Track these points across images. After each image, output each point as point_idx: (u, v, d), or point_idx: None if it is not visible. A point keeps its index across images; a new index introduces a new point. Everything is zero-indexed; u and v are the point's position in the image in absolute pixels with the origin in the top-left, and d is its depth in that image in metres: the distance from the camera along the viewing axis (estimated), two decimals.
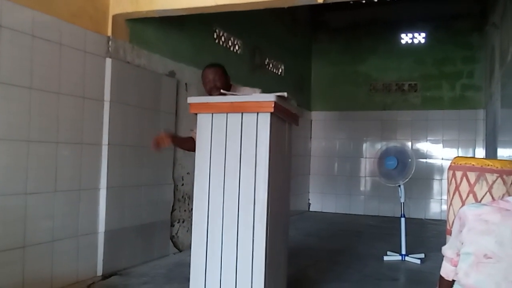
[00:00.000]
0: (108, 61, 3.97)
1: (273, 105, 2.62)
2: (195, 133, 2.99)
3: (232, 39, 6.26)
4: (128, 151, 4.19)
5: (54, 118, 3.48)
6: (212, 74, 3.38)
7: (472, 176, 3.01)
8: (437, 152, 8.45)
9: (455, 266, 1.79)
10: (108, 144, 3.95)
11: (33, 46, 3.30)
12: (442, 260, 1.91)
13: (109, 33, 4.02)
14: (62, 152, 3.55)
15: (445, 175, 7.62)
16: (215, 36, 5.85)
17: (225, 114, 2.75)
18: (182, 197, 5.03)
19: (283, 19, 7.91)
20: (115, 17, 4.04)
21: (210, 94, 3.35)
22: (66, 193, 3.60)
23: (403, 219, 5.09)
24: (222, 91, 2.91)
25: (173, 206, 4.87)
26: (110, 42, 4.00)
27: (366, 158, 8.83)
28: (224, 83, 3.38)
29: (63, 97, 3.55)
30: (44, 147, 3.40)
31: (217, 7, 3.78)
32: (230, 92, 2.85)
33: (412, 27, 8.73)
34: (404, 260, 4.92)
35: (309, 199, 9.03)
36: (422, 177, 8.40)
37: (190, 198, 4.97)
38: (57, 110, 3.50)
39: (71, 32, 3.62)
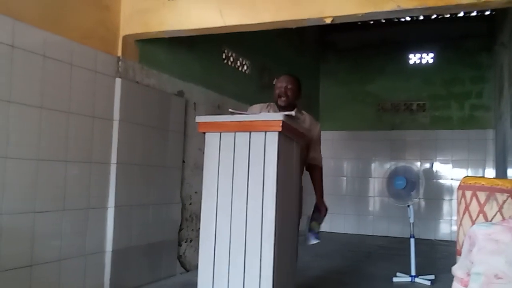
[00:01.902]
0: (118, 81, 4.01)
1: (281, 124, 2.63)
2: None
3: (240, 59, 6.31)
4: (137, 170, 4.21)
5: (63, 137, 3.51)
6: (287, 82, 3.44)
7: (482, 195, 2.99)
8: (447, 172, 8.39)
9: (466, 286, 1.76)
10: (117, 163, 3.97)
11: (45, 66, 3.35)
12: (453, 281, 1.89)
13: (119, 53, 4.07)
14: (71, 170, 3.57)
15: (454, 196, 7.56)
16: (223, 56, 5.90)
17: (233, 133, 2.76)
18: (190, 216, 5.02)
19: (291, 40, 7.97)
20: (125, 38, 4.10)
21: (276, 101, 3.40)
22: (74, 211, 3.61)
23: (412, 240, 5.03)
24: (230, 110, 2.93)
25: (180, 226, 4.86)
26: (120, 63, 4.05)
27: (374, 178, 8.79)
28: (295, 95, 3.45)
29: (73, 116, 3.58)
30: (54, 166, 3.42)
31: (226, 28, 3.82)
32: (238, 111, 2.86)
33: (420, 47, 8.76)
34: (414, 281, 4.85)
35: None
36: (431, 197, 8.34)
37: (198, 217, 4.95)
38: (67, 129, 3.53)
39: (82, 53, 3.67)
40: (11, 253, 3.10)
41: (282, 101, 3.37)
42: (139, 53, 4.29)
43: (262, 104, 3.55)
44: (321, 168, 3.64)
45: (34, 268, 3.26)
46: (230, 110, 2.93)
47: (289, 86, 3.40)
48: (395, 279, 4.90)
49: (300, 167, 3.35)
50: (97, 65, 3.83)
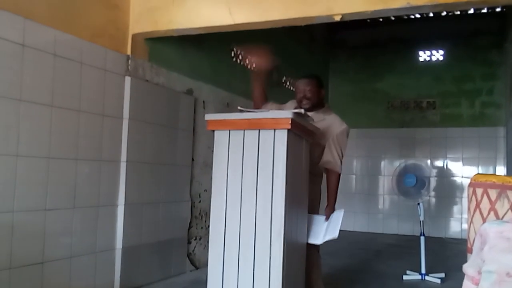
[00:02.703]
0: (128, 79, 4.03)
1: (290, 122, 2.62)
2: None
3: (249, 57, 6.30)
4: (146, 168, 4.22)
5: (74, 135, 3.53)
6: (304, 85, 3.36)
7: (493, 193, 2.96)
8: (457, 170, 8.34)
9: (477, 284, 1.75)
10: (127, 161, 3.98)
11: (55, 65, 3.37)
12: (463, 279, 1.87)
13: (129, 52, 4.09)
14: (81, 169, 3.59)
15: (465, 193, 7.52)
16: (232, 55, 5.90)
17: (242, 131, 2.75)
18: (199, 214, 5.03)
19: (301, 38, 7.95)
20: (134, 36, 4.12)
21: (299, 104, 3.33)
22: (85, 209, 3.63)
23: (422, 238, 5.01)
24: (239, 107, 2.92)
25: (190, 223, 4.87)
26: (129, 61, 4.07)
27: (384, 176, 8.76)
28: (316, 95, 3.36)
29: (83, 114, 3.60)
30: (64, 164, 3.45)
31: (235, 26, 3.82)
32: (247, 109, 2.86)
33: (430, 45, 8.70)
34: (424, 279, 4.83)
35: None
36: (441, 195, 8.30)
37: (207, 215, 4.97)
38: (77, 128, 3.56)
39: (91, 51, 3.69)
40: (23, 251, 3.13)
41: (304, 104, 3.30)
42: (148, 51, 4.31)
43: (294, 101, 3.48)
44: (338, 174, 3.32)
45: (46, 265, 3.28)
46: (239, 108, 2.93)
47: (307, 88, 3.34)
48: (405, 277, 4.88)
49: (317, 168, 3.32)
50: (107, 63, 3.84)
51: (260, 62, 3.52)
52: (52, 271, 3.33)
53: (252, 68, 3.36)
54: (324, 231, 3.15)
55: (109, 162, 3.86)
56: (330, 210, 3.27)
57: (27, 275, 3.15)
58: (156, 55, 4.41)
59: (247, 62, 6.24)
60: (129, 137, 4.01)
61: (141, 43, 4.22)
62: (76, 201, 3.54)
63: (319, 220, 3.22)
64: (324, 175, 3.42)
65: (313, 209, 3.27)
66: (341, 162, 3.32)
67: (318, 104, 3.39)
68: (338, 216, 3.19)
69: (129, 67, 4.06)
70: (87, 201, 3.65)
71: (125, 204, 3.96)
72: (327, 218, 3.22)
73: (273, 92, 6.85)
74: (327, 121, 3.34)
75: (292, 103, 3.46)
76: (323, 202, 3.36)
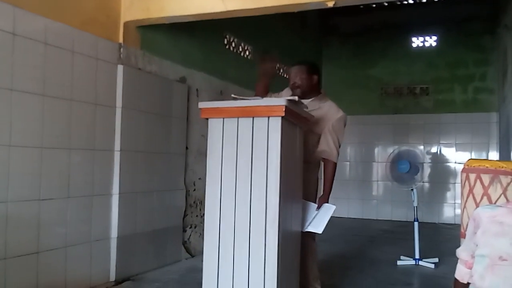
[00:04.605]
0: (120, 67, 4.00)
1: (284, 109, 2.61)
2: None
3: (242, 44, 6.28)
4: (140, 157, 4.21)
5: (66, 125, 3.51)
6: (294, 72, 3.32)
7: (486, 178, 2.98)
8: (450, 155, 8.39)
9: (470, 268, 1.77)
10: (120, 150, 3.97)
11: (46, 53, 3.34)
12: (457, 263, 1.89)
13: (121, 40, 4.05)
14: (74, 158, 3.58)
15: (458, 179, 7.56)
16: (225, 42, 5.87)
17: (236, 119, 2.74)
18: (194, 202, 5.04)
19: (293, 24, 7.91)
20: (126, 24, 4.08)
21: (293, 92, 3.29)
22: (79, 199, 3.62)
23: (416, 224, 5.05)
24: (233, 95, 2.91)
25: (185, 212, 4.88)
26: (121, 49, 4.03)
27: (378, 162, 8.79)
28: (307, 82, 3.30)
29: (75, 103, 3.58)
30: (57, 154, 3.43)
31: (227, 13, 3.80)
32: (240, 97, 2.85)
33: (423, 30, 8.69)
34: (418, 264, 4.87)
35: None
36: (435, 181, 8.35)
37: (202, 203, 4.98)
38: (69, 117, 3.53)
39: (83, 40, 3.65)
40: (18, 241, 3.12)
41: (297, 93, 3.24)
42: (140, 39, 4.28)
43: (289, 88, 3.44)
44: (334, 163, 3.29)
45: (41, 255, 3.28)
46: (232, 95, 2.91)
47: (298, 76, 3.29)
48: (399, 263, 4.93)
49: (313, 157, 3.30)
50: (99, 52, 3.81)
51: (268, 68, 3.51)
52: (47, 260, 3.33)
53: (259, 70, 3.33)
54: (310, 219, 3.15)
55: (102, 151, 3.84)
56: (324, 199, 3.27)
57: (22, 265, 3.15)
58: (148, 43, 4.37)
59: (240, 49, 6.21)
60: (122, 126, 3.99)
61: (133, 31, 4.18)
62: (70, 191, 3.53)
63: (311, 207, 3.22)
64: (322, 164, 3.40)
65: (309, 197, 3.26)
66: (337, 151, 3.29)
67: (312, 90, 3.34)
68: (327, 211, 3.17)
69: (121, 55, 4.03)
70: (81, 191, 3.64)
71: (119, 193, 3.96)
72: (319, 207, 3.22)
73: None
74: (323, 110, 3.30)
75: (288, 91, 3.43)
76: (320, 192, 3.36)
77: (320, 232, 3.08)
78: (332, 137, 3.26)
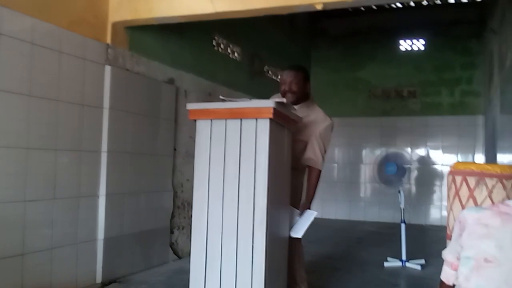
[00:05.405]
0: (108, 68, 3.98)
1: (272, 111, 2.61)
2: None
3: (231, 46, 6.28)
4: (128, 158, 4.19)
5: (53, 125, 3.48)
6: (290, 77, 3.24)
7: (471, 180, 3.01)
8: (437, 158, 8.45)
9: (456, 270, 1.78)
10: (108, 151, 3.95)
11: (33, 53, 3.31)
12: (443, 265, 1.90)
13: (109, 40, 4.03)
14: (61, 159, 3.55)
15: (445, 181, 7.63)
16: (214, 43, 5.87)
17: (224, 120, 2.74)
18: (182, 204, 5.02)
19: (282, 27, 7.94)
20: (114, 24, 4.06)
21: (283, 97, 3.20)
22: (65, 200, 3.59)
23: (403, 225, 5.08)
24: (221, 97, 2.90)
25: (172, 213, 4.86)
26: (109, 50, 4.01)
27: (365, 164, 8.84)
28: (301, 89, 3.25)
29: (62, 104, 3.55)
30: (43, 154, 3.40)
31: (216, 15, 3.79)
32: (229, 98, 2.84)
33: (411, 34, 8.77)
34: (405, 266, 4.90)
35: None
36: (422, 183, 8.42)
37: (190, 205, 4.96)
38: (56, 118, 3.50)
39: (70, 40, 3.63)
40: (3, 242, 3.09)
41: (288, 98, 3.18)
42: (128, 40, 4.26)
43: (278, 94, 3.37)
44: (319, 171, 3.27)
45: (26, 256, 3.25)
46: (221, 97, 2.90)
47: (293, 82, 3.23)
48: (386, 264, 4.95)
49: (299, 163, 3.29)
50: (86, 52, 3.79)
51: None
52: (32, 262, 3.30)
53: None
54: (291, 225, 3.15)
55: (89, 152, 3.82)
56: (305, 206, 3.26)
57: (7, 267, 3.11)
58: (136, 44, 4.35)
59: (229, 51, 6.21)
60: (109, 127, 3.96)
61: (121, 32, 4.16)
62: (56, 192, 3.50)
63: (294, 213, 3.22)
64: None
65: (295, 203, 3.26)
66: (323, 158, 3.29)
67: (305, 97, 3.33)
68: (308, 217, 3.15)
69: (108, 56, 4.01)
70: (68, 192, 3.61)
71: (106, 195, 3.93)
72: (301, 214, 3.22)
73: (255, 81, 6.87)
74: (311, 117, 3.28)
75: (276, 97, 3.38)
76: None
77: (300, 236, 3.09)
78: (318, 145, 3.25)
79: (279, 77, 3.27)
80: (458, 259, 1.77)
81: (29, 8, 3.29)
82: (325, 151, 3.30)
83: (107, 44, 4.01)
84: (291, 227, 3.13)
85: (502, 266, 1.62)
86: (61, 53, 3.55)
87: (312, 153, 3.26)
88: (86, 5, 3.82)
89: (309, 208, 3.26)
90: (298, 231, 3.09)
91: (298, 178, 3.33)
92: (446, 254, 1.87)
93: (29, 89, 3.28)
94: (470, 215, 1.75)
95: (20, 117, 3.22)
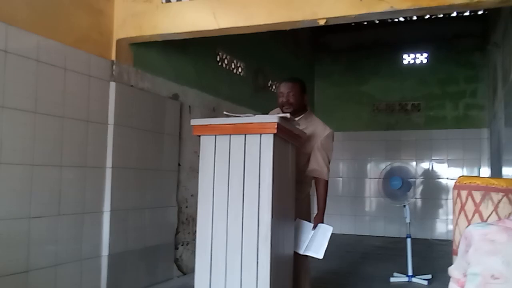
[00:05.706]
0: (112, 84, 4.00)
1: (276, 126, 2.62)
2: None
3: (235, 61, 6.31)
4: (132, 174, 4.19)
5: (58, 142, 3.49)
6: (287, 89, 3.25)
7: (477, 195, 2.99)
8: (442, 171, 8.42)
9: (462, 287, 1.76)
10: (112, 167, 3.95)
11: (38, 71, 3.34)
12: (449, 281, 1.89)
13: (113, 57, 4.06)
14: (66, 175, 3.55)
15: (450, 195, 7.57)
16: (218, 59, 5.90)
17: (228, 136, 2.75)
18: (186, 219, 5.01)
19: (285, 41, 7.97)
20: (119, 41, 4.09)
21: (281, 109, 3.25)
22: (70, 216, 3.59)
23: (409, 240, 5.05)
24: (225, 112, 2.91)
25: (177, 229, 4.85)
26: (114, 66, 4.04)
27: (370, 178, 8.81)
28: (298, 101, 3.26)
29: (67, 121, 3.57)
30: (48, 171, 3.41)
31: (220, 31, 3.82)
32: (233, 114, 2.85)
33: (414, 48, 8.79)
34: (411, 281, 4.86)
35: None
36: (427, 197, 8.37)
37: (194, 220, 4.95)
38: (61, 134, 3.52)
39: (75, 57, 3.66)
40: (7, 259, 3.08)
41: (286, 109, 3.20)
42: (133, 56, 4.29)
43: (278, 109, 3.39)
44: (326, 181, 3.28)
45: (30, 273, 3.24)
46: (225, 112, 2.91)
47: (290, 93, 3.24)
48: (392, 279, 4.91)
49: (305, 177, 3.28)
50: (91, 69, 3.81)
51: None
52: (37, 279, 3.29)
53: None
54: (307, 241, 3.13)
55: (94, 169, 3.82)
56: (319, 218, 3.25)
57: (11, 284, 3.10)
58: (141, 60, 4.38)
59: (233, 66, 6.24)
60: (114, 143, 3.98)
61: (126, 48, 4.19)
62: (61, 208, 3.50)
63: (307, 227, 3.20)
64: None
65: (301, 216, 3.24)
66: (328, 168, 3.28)
67: (302, 108, 3.34)
68: (325, 233, 3.14)
69: (113, 72, 4.03)
70: (72, 208, 3.61)
71: (111, 211, 3.93)
72: (314, 227, 3.21)
73: (259, 96, 6.88)
74: (310, 129, 3.28)
75: (276, 112, 3.38)
76: (313, 210, 3.35)
77: (320, 257, 3.06)
78: (321, 155, 3.26)
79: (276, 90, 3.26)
80: (465, 275, 1.75)
81: (34, 26, 3.32)
82: (329, 161, 3.30)
83: (112, 61, 4.04)
84: (304, 243, 3.11)
85: (509, 282, 1.60)
86: (67, 70, 3.57)
87: (316, 164, 3.26)
88: (91, 22, 3.86)
89: (322, 220, 3.24)
90: (318, 251, 3.07)
91: (303, 191, 3.32)
92: (452, 271, 1.85)
93: (35, 106, 3.30)
94: (476, 231, 1.74)
95: (26, 134, 3.23)
